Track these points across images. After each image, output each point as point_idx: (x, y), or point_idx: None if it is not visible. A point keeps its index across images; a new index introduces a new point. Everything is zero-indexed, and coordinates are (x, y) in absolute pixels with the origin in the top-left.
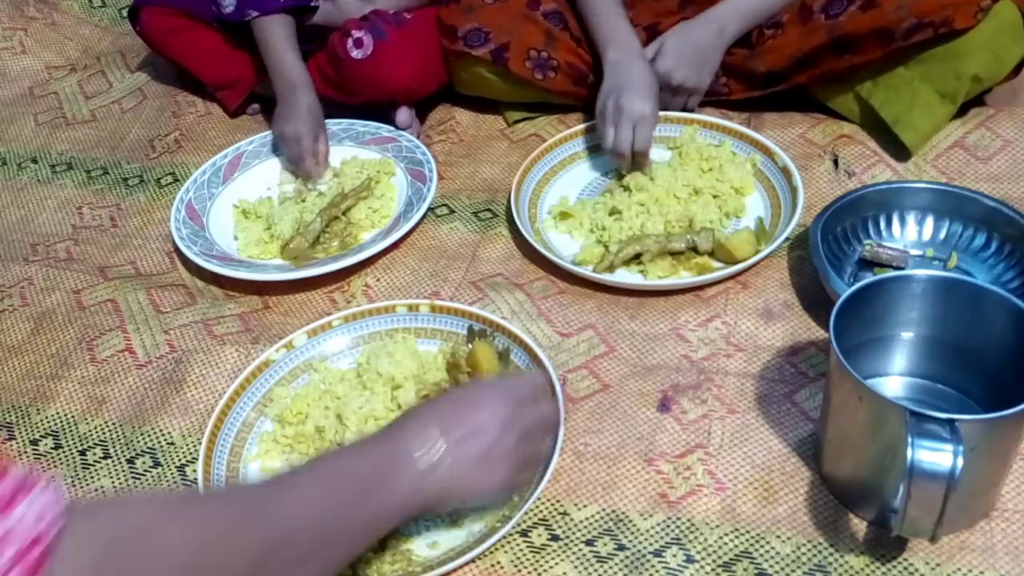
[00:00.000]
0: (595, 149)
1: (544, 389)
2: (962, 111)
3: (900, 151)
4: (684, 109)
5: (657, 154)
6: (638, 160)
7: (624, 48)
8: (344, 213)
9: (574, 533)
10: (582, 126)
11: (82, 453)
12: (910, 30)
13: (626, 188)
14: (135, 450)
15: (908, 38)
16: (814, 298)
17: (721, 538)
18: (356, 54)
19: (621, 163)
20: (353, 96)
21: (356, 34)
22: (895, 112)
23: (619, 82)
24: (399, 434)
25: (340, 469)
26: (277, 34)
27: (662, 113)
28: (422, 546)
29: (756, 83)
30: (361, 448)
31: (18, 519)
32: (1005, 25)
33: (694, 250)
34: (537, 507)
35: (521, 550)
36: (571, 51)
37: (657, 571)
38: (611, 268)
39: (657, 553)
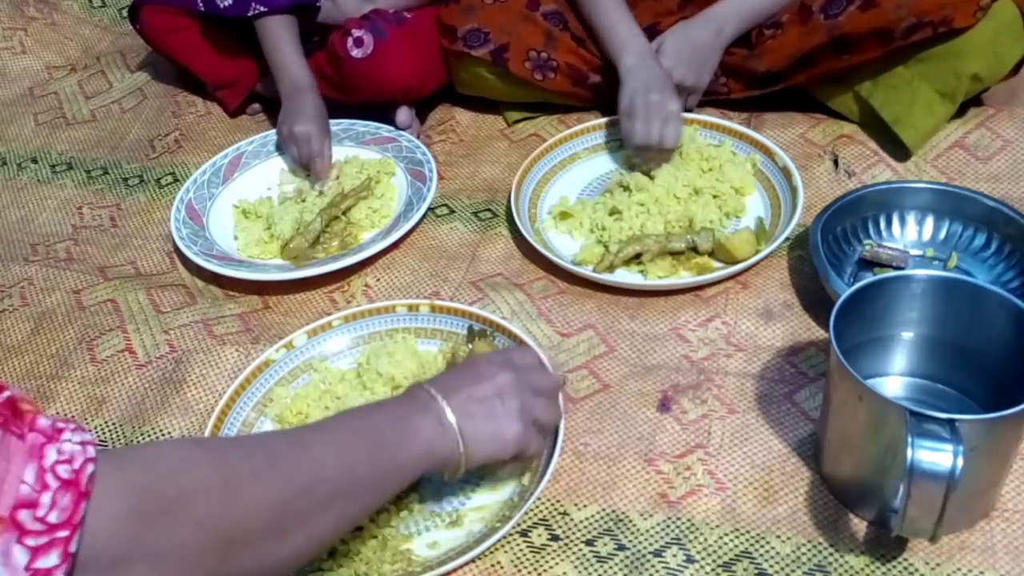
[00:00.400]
0: (595, 149)
1: (542, 361)
2: (962, 111)
3: (900, 151)
4: (683, 109)
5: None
6: (661, 156)
7: (640, 53)
8: (344, 213)
9: (574, 533)
10: (582, 126)
11: None
12: (910, 29)
13: (626, 188)
14: None
15: (908, 37)
16: (814, 298)
17: (721, 538)
18: (356, 53)
19: (644, 159)
20: (353, 95)
21: (356, 33)
22: (895, 112)
23: (643, 82)
24: (414, 393)
25: (364, 418)
26: (283, 35)
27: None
28: (422, 546)
29: (755, 83)
30: (380, 404)
31: (54, 459)
32: (1005, 24)
33: (694, 250)
34: (537, 507)
35: (521, 550)
36: (571, 52)
37: (657, 571)
38: (611, 268)
39: (657, 553)
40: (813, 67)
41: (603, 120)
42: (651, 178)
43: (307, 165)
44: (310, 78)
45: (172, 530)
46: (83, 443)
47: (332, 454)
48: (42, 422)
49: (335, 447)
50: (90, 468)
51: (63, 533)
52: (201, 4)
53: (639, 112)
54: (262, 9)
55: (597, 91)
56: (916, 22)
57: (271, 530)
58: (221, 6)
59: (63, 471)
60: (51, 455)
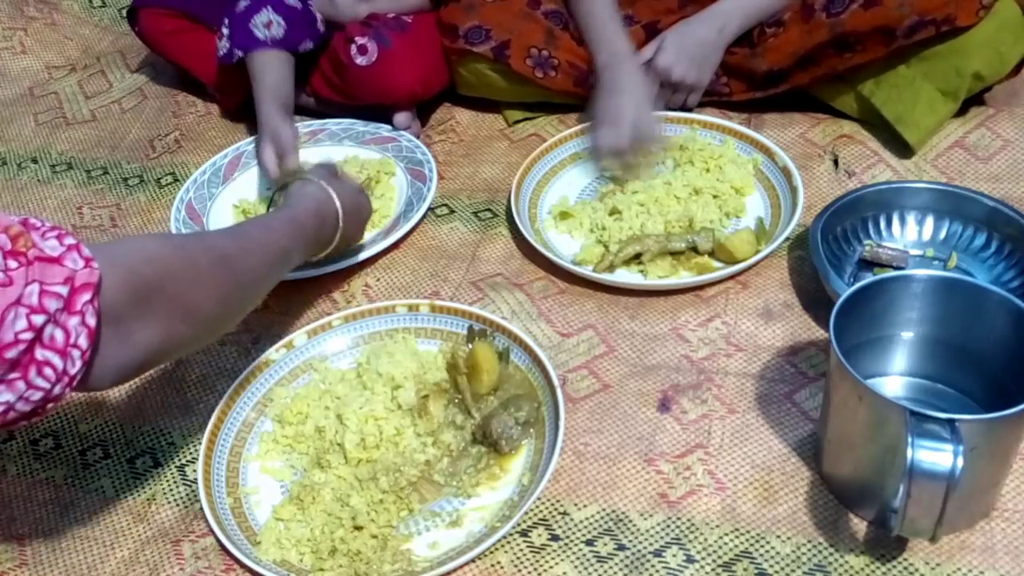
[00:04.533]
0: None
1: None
2: (962, 110)
3: (901, 150)
4: (683, 107)
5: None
6: (634, 166)
7: (613, 52)
8: None
9: (574, 533)
10: (582, 126)
11: (82, 453)
12: (912, 27)
13: (617, 181)
14: (135, 450)
15: (910, 36)
16: (814, 298)
17: (721, 538)
18: (361, 61)
19: (616, 167)
20: (356, 100)
21: (360, 41)
22: (897, 111)
23: (610, 86)
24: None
25: (279, 213)
26: (260, 79)
27: (662, 114)
28: (422, 546)
29: (757, 82)
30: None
31: (71, 269)
32: (1006, 22)
33: (694, 250)
34: (537, 507)
35: (521, 550)
36: (572, 50)
37: (657, 571)
38: (611, 268)
39: (657, 553)
40: (815, 66)
41: None
42: (622, 190)
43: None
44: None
45: (151, 302)
46: (87, 260)
47: (262, 235)
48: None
49: (262, 230)
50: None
51: (87, 295)
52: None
53: (605, 116)
54: (240, 55)
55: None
56: (919, 20)
57: (221, 305)
58: (220, 54)
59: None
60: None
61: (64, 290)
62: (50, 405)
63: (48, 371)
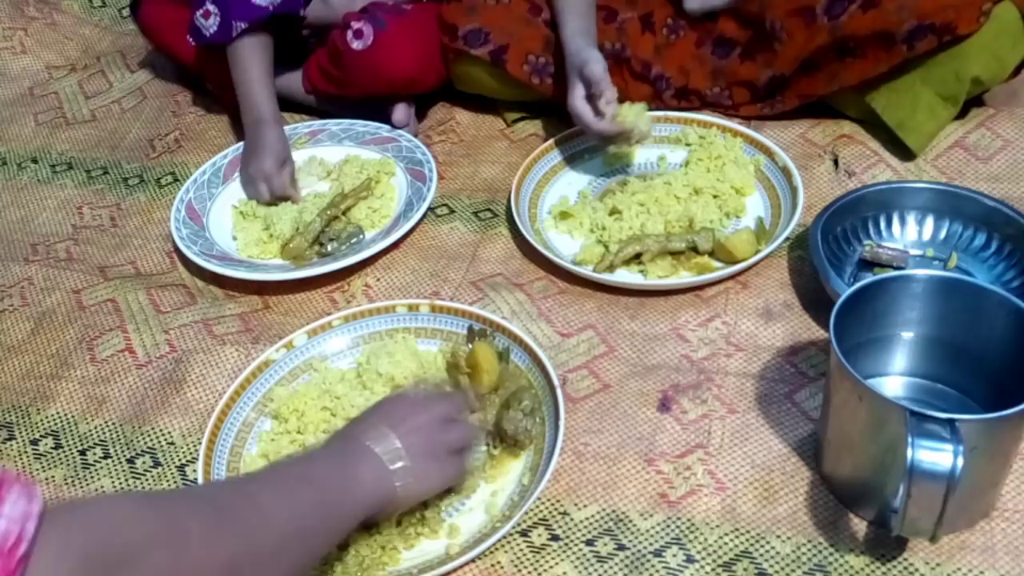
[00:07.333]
0: (595, 149)
1: (463, 408)
2: (962, 111)
3: (901, 150)
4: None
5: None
6: (627, 136)
7: (579, 30)
8: (344, 213)
9: (574, 533)
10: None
11: (82, 453)
12: (912, 32)
13: (614, 164)
14: (135, 450)
15: (910, 42)
16: (814, 298)
17: (721, 538)
18: (356, 45)
19: (609, 142)
20: (354, 89)
21: (356, 25)
22: (898, 116)
23: (581, 59)
24: (354, 432)
25: (306, 466)
26: (253, 60)
27: (662, 113)
28: (422, 546)
29: (759, 91)
30: (323, 449)
31: (5, 516)
32: (1005, 26)
33: (694, 250)
34: (537, 507)
35: (521, 550)
36: None
37: (657, 571)
38: (611, 268)
39: (657, 553)
40: (817, 71)
41: None
42: (627, 164)
43: (278, 199)
44: (274, 110)
45: None
46: (29, 504)
47: (278, 503)
48: None
49: (281, 496)
50: (30, 533)
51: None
52: (191, 39)
53: (579, 90)
54: (243, 26)
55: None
56: (917, 25)
57: None
58: (207, 35)
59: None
60: None
61: None
62: None
63: None
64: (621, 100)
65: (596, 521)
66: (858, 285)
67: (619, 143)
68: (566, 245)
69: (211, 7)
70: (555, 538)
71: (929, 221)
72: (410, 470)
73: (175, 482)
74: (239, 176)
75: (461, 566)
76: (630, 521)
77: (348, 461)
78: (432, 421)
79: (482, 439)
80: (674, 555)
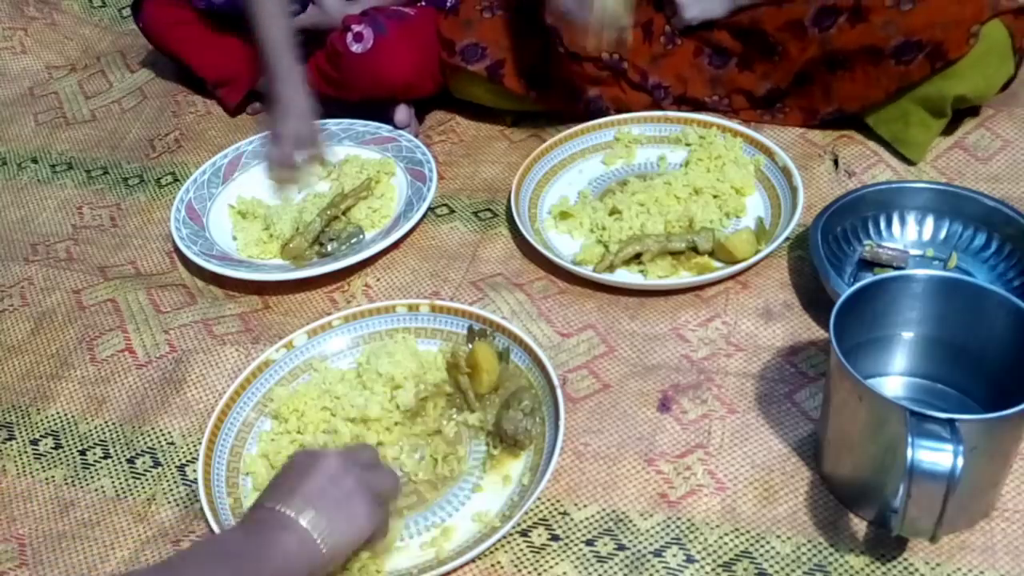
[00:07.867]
0: (595, 149)
1: (377, 456)
2: (957, 119)
3: (901, 152)
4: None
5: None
6: (606, 31)
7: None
8: (344, 213)
9: (574, 533)
10: (582, 126)
11: (82, 453)
12: (899, 49)
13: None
14: (135, 450)
15: (899, 57)
16: (814, 298)
17: (721, 538)
18: (356, 48)
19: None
20: (353, 92)
21: (356, 28)
22: (892, 131)
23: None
24: (259, 500)
25: (224, 543)
26: (274, 23)
27: (662, 113)
28: (421, 546)
29: (758, 101)
30: (234, 529)
31: None
32: (994, 45)
33: (694, 250)
34: (537, 507)
35: (521, 550)
36: (566, 69)
37: (657, 571)
38: (611, 268)
39: (657, 553)
40: (811, 84)
41: (604, 120)
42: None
43: (307, 161)
44: (299, 68)
45: None
46: None
47: None
48: None
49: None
50: None
51: None
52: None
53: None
54: None
55: (592, 108)
56: (904, 41)
57: None
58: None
59: None
60: None
61: None
62: None
63: None
64: (621, 110)
65: (596, 521)
66: (858, 285)
67: (592, 29)
68: (566, 245)
69: None
70: (555, 538)
71: (929, 221)
72: (328, 526)
73: (175, 482)
74: (261, 144)
75: (461, 566)
76: (630, 521)
77: (264, 533)
78: (339, 466)
79: (400, 489)
80: (674, 555)
